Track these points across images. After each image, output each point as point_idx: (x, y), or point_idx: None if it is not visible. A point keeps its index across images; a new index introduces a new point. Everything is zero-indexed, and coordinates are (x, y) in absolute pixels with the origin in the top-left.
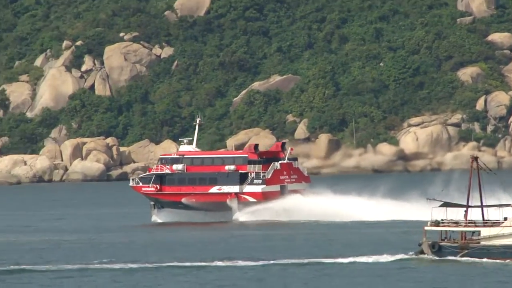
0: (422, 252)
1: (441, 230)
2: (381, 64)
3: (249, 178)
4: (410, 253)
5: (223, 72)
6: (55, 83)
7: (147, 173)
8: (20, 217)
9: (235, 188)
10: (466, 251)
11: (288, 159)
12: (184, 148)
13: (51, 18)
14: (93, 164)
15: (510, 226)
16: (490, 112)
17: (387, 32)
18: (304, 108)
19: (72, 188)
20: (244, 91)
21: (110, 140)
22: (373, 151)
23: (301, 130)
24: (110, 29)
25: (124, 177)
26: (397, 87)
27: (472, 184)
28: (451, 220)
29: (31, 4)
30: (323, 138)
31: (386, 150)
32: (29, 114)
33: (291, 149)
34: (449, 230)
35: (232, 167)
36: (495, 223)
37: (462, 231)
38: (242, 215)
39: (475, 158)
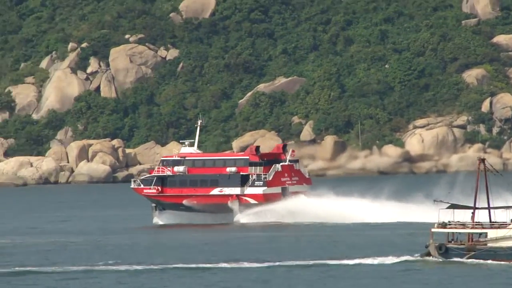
0: (429, 254)
1: (448, 232)
2: (386, 66)
3: (250, 180)
4: (416, 255)
5: (229, 74)
6: (61, 85)
7: (149, 175)
8: (26, 219)
9: (236, 190)
10: (473, 253)
11: (289, 161)
12: (185, 150)
13: (56, 20)
14: (99, 166)
15: None
16: (496, 114)
17: (392, 34)
18: (310, 110)
19: (78, 190)
20: (249, 93)
21: (116, 142)
22: (379, 153)
23: (307, 132)
24: (115, 31)
25: (130, 179)
26: (402, 89)
27: (479, 186)
28: (458, 222)
29: (36, 6)
30: (329, 140)
31: (391, 152)
32: (35, 116)
33: (293, 151)
34: (456, 232)
35: (233, 169)
36: (502, 225)
37: (469, 233)
38: (243, 217)
39: (483, 160)
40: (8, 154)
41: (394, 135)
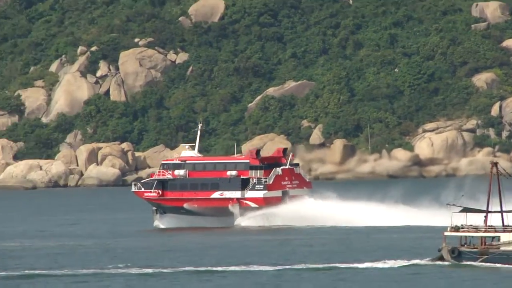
0: (441, 258)
1: (461, 236)
2: (395, 70)
3: (250, 183)
4: (427, 258)
5: (238, 77)
6: (70, 89)
7: (149, 178)
8: (35, 222)
9: (236, 194)
10: (486, 256)
11: (290, 164)
12: (186, 153)
13: (65, 24)
14: (108, 169)
15: None
16: (505, 118)
17: (402, 38)
18: (319, 114)
19: (87, 193)
20: (259, 97)
21: (125, 145)
22: (388, 157)
23: (316, 136)
24: (124, 35)
25: None
26: (412, 92)
27: (491, 189)
28: (471, 225)
29: (45, 10)
30: (338, 144)
31: (401, 155)
32: (44, 120)
33: (292, 155)
34: (469, 236)
35: (233, 172)
36: None
37: (481, 237)
38: (244, 220)
39: (495, 164)
40: (17, 157)
41: (403, 139)
